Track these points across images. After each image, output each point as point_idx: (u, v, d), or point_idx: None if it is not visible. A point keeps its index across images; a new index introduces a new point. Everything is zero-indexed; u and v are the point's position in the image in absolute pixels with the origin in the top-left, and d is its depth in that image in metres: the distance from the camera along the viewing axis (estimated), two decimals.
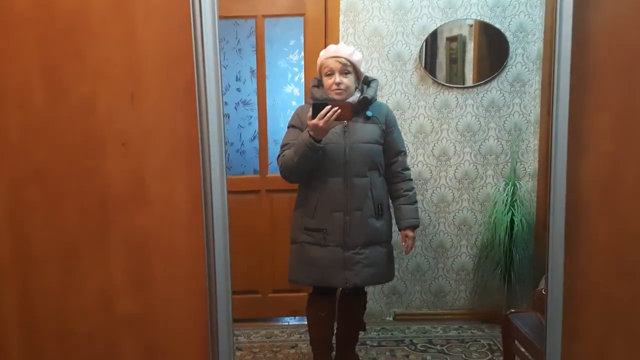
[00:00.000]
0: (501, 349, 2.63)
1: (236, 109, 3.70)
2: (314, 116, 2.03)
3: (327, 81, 2.21)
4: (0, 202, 1.42)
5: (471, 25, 2.88)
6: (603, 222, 1.47)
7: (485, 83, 2.93)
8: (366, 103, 2.23)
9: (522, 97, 2.94)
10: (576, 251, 1.46)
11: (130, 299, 1.46)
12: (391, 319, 3.13)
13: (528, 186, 2.99)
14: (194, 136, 1.37)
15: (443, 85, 2.93)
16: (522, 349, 2.17)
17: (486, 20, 2.87)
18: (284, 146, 2.25)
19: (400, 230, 2.37)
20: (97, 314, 1.47)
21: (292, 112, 2.35)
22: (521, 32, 2.89)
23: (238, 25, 3.58)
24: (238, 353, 2.76)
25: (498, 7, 2.87)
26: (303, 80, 3.18)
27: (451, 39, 2.91)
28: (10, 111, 1.39)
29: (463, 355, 2.72)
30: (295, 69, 3.69)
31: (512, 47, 2.89)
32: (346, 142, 2.20)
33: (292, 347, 2.81)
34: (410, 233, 2.35)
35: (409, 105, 2.96)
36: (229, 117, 3.68)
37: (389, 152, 2.32)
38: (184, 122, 1.38)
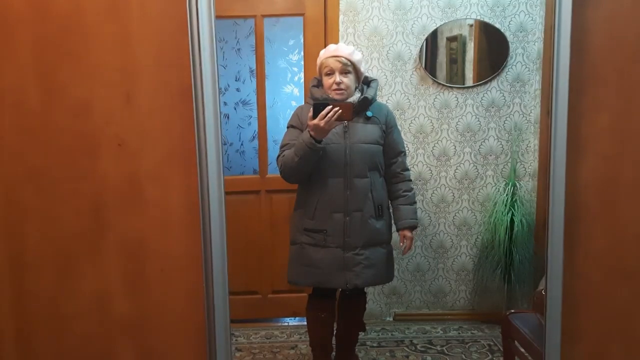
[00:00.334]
0: (501, 349, 2.62)
1: (235, 109, 3.70)
2: (314, 116, 2.03)
3: (327, 81, 2.20)
4: None
5: (471, 25, 2.88)
6: (602, 223, 1.46)
7: (486, 83, 2.93)
8: (366, 103, 2.22)
9: (522, 97, 2.94)
10: (575, 252, 1.46)
11: (125, 301, 1.46)
12: (391, 319, 3.13)
13: (528, 186, 2.98)
14: (190, 137, 1.37)
15: (443, 85, 2.93)
16: (522, 350, 2.16)
17: (486, 20, 2.87)
18: (283, 146, 2.24)
19: (398, 230, 2.36)
20: (93, 316, 1.46)
21: (292, 112, 2.34)
22: (521, 31, 2.88)
23: (237, 25, 3.58)
24: (238, 354, 2.76)
25: (498, 7, 2.86)
26: (303, 80, 3.17)
27: (451, 39, 2.90)
28: (4, 112, 1.39)
29: (463, 355, 2.71)
30: (295, 69, 3.69)
31: (512, 46, 2.88)
32: (346, 143, 2.19)
33: (292, 348, 2.81)
34: (408, 233, 2.35)
35: (409, 105, 2.95)
36: (228, 117, 3.68)
37: (389, 152, 2.31)
38: (180, 124, 1.38)
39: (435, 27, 2.87)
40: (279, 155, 2.24)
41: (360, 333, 2.54)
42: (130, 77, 1.37)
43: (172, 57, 1.35)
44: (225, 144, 3.69)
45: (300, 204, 2.30)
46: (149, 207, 1.41)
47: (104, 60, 1.36)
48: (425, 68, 2.90)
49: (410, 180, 2.38)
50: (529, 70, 2.91)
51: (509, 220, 2.84)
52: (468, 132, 2.97)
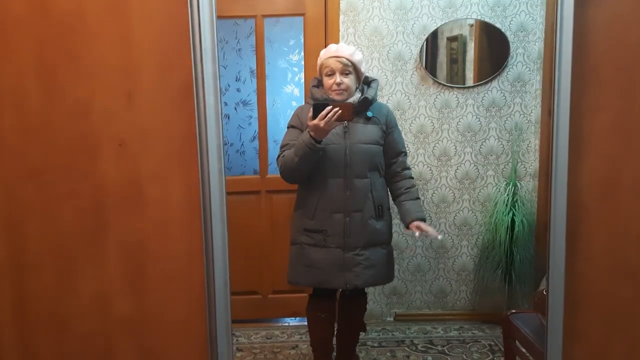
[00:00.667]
0: (502, 349, 2.62)
1: (236, 109, 3.70)
2: (314, 117, 2.02)
3: (328, 81, 2.20)
4: None
5: (472, 25, 2.88)
6: (603, 223, 1.46)
7: (486, 83, 2.93)
8: (367, 104, 2.22)
9: (523, 97, 2.93)
10: (576, 252, 1.46)
11: (126, 301, 1.45)
12: (392, 319, 3.13)
13: (529, 186, 2.98)
14: (191, 137, 1.36)
15: (443, 85, 2.93)
16: (523, 350, 2.16)
17: (487, 19, 2.86)
18: (283, 146, 2.24)
19: (407, 225, 2.29)
20: (93, 316, 1.46)
21: (292, 113, 2.34)
22: (522, 31, 2.88)
23: (237, 25, 3.58)
24: (238, 354, 2.76)
25: (499, 7, 2.86)
26: (303, 80, 3.17)
27: (452, 39, 2.90)
28: (5, 112, 1.38)
29: (464, 355, 2.71)
30: (295, 69, 3.69)
31: (512, 46, 2.88)
32: (346, 143, 2.19)
33: (293, 348, 2.81)
34: (421, 223, 2.25)
35: (410, 105, 2.95)
36: (228, 117, 3.68)
37: (390, 152, 2.31)
38: (181, 123, 1.37)
39: (435, 27, 2.87)
40: (279, 156, 2.24)
41: (360, 333, 2.53)
42: (131, 76, 1.37)
43: (173, 57, 1.35)
44: (225, 145, 3.68)
45: (300, 204, 2.30)
46: (149, 207, 1.41)
47: (105, 60, 1.36)
48: (426, 68, 2.90)
49: (412, 178, 2.38)
50: (529, 70, 2.91)
51: (509, 220, 2.84)
52: (469, 132, 2.97)
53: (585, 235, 1.46)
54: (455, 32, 2.89)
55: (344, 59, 2.17)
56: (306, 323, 2.47)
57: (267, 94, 3.05)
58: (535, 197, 2.96)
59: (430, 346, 2.81)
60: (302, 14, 2.93)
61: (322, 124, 2.01)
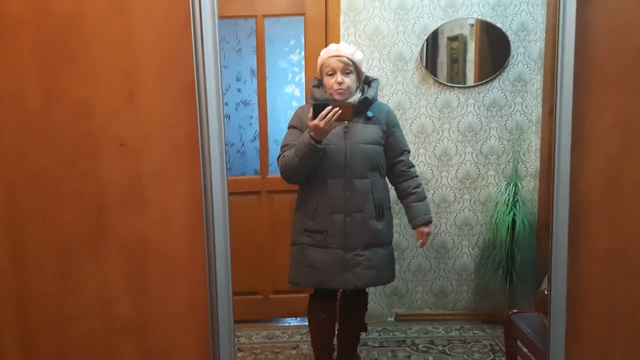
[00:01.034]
0: (503, 349, 2.62)
1: (237, 109, 3.70)
2: (314, 117, 2.02)
3: (329, 81, 2.19)
4: None
5: (472, 25, 2.87)
6: (606, 223, 1.46)
7: (487, 82, 2.92)
8: (367, 103, 2.22)
9: (524, 97, 2.93)
10: (579, 251, 1.45)
11: (128, 303, 1.45)
12: (393, 319, 3.13)
13: (530, 186, 2.98)
14: (193, 137, 1.36)
15: (444, 85, 2.92)
16: (525, 350, 2.16)
17: (487, 19, 2.86)
18: (284, 147, 2.24)
19: (414, 228, 2.35)
20: (95, 317, 1.46)
21: (293, 113, 2.34)
22: (522, 31, 2.88)
23: (238, 25, 3.58)
24: (239, 354, 2.75)
25: (499, 6, 2.86)
26: (303, 80, 3.17)
27: (452, 39, 2.90)
28: (5, 113, 1.38)
29: (465, 355, 2.71)
30: (296, 69, 3.68)
31: (513, 46, 2.88)
32: (347, 143, 2.18)
33: (294, 348, 2.81)
34: (425, 229, 2.33)
35: (410, 105, 2.95)
36: (229, 117, 3.68)
37: (393, 152, 2.30)
38: (183, 124, 1.37)
39: (436, 27, 2.87)
40: (279, 156, 2.24)
41: (361, 333, 2.53)
42: (132, 77, 1.36)
43: (175, 57, 1.35)
44: (226, 145, 3.68)
45: (300, 204, 2.30)
46: (151, 208, 1.41)
47: (106, 60, 1.36)
48: (427, 68, 2.90)
49: (418, 177, 2.37)
50: (530, 70, 2.91)
51: (510, 220, 2.83)
52: (469, 132, 2.97)
53: (587, 235, 1.45)
54: (456, 32, 2.89)
55: (345, 58, 2.17)
56: (307, 323, 2.47)
57: (268, 94, 3.05)
58: (536, 197, 2.96)
59: (431, 346, 2.81)
60: (303, 14, 2.92)
61: (322, 124, 2.01)
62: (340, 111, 2.01)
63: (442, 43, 2.90)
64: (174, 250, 1.42)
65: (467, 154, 2.99)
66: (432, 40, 2.88)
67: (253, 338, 2.93)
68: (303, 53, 3.06)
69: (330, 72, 2.19)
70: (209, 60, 1.32)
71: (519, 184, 2.92)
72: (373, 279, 2.27)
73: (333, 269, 2.21)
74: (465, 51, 2.90)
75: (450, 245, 3.07)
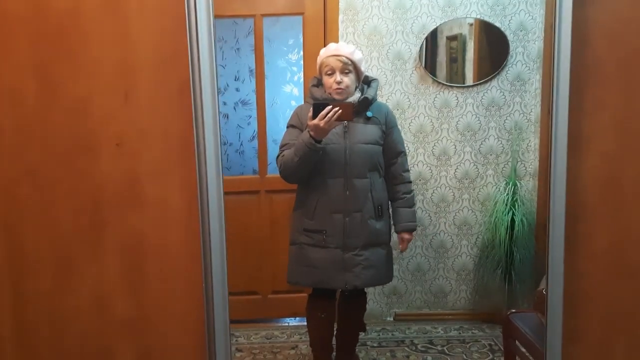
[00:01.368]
0: (502, 349, 2.62)
1: (235, 108, 3.70)
2: (314, 116, 2.02)
3: (328, 80, 2.19)
4: None
5: (471, 24, 2.87)
6: (603, 222, 1.45)
7: (486, 82, 2.92)
8: (367, 103, 2.21)
9: (523, 96, 2.93)
10: (576, 251, 1.45)
11: (124, 301, 1.45)
12: (391, 319, 3.12)
13: (529, 186, 2.98)
14: (189, 136, 1.36)
15: (443, 84, 2.92)
16: (523, 349, 2.15)
17: (486, 19, 2.86)
18: (283, 146, 2.23)
19: (396, 232, 2.37)
20: (91, 316, 1.46)
21: (291, 112, 2.33)
22: (521, 30, 2.88)
23: (236, 25, 3.57)
24: (238, 354, 2.75)
25: (498, 6, 2.85)
26: (302, 79, 3.17)
27: (451, 38, 2.89)
28: (2, 111, 1.38)
29: (464, 355, 2.70)
30: (295, 69, 3.68)
31: (512, 45, 2.88)
32: (346, 143, 2.18)
33: (292, 348, 2.80)
34: (406, 235, 2.36)
35: (409, 105, 2.94)
36: (228, 117, 3.68)
37: (389, 152, 2.30)
38: (178, 122, 1.37)
39: (435, 26, 2.87)
40: (278, 155, 2.24)
41: (360, 333, 2.53)
42: (129, 75, 1.36)
43: (171, 55, 1.35)
44: (224, 144, 3.69)
45: (299, 204, 2.29)
46: (147, 206, 1.41)
47: (102, 58, 1.36)
48: (425, 67, 2.90)
49: (410, 182, 2.38)
50: (529, 69, 2.91)
51: (509, 219, 2.83)
52: (468, 132, 2.96)
53: (585, 234, 1.45)
54: (455, 31, 2.88)
55: (344, 58, 2.17)
56: (306, 323, 2.47)
57: (266, 94, 3.04)
58: (535, 196, 2.96)
59: (430, 346, 2.81)
60: (301, 13, 2.92)
61: (322, 123, 2.01)
62: (340, 111, 2.01)
63: (441, 42, 2.90)
64: (170, 249, 1.42)
65: (466, 153, 2.99)
66: (431, 40, 2.88)
67: (252, 338, 2.92)
68: (302, 52, 3.06)
69: (329, 72, 2.19)
70: (204, 59, 1.32)
71: (517, 184, 2.91)
72: (372, 278, 2.27)
73: (332, 269, 2.21)
74: (464, 51, 2.90)
75: (449, 245, 3.07)
